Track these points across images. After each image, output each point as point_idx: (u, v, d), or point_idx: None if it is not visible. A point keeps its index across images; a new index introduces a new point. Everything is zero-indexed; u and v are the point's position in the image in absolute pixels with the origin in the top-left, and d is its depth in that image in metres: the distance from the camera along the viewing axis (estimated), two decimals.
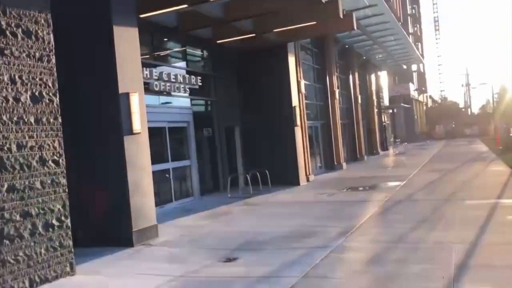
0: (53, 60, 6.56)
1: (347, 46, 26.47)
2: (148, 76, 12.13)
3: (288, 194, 14.32)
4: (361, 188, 14.43)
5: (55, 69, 6.58)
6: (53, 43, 6.58)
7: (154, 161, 12.75)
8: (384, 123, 37.03)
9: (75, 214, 7.00)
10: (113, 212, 8.44)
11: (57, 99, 6.57)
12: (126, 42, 8.58)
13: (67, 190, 6.59)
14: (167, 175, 13.03)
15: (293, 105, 16.50)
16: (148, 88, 12.39)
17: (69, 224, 6.56)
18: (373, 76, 33.09)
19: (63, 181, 6.52)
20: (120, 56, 8.37)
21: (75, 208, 6.99)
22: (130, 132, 8.42)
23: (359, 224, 8.89)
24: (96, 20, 8.49)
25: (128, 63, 8.58)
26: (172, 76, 13.09)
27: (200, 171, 14.66)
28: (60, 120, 6.58)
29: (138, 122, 8.54)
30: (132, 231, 8.22)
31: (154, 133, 13.04)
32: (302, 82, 18.09)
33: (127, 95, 8.38)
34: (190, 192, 14.19)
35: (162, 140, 13.13)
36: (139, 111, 8.59)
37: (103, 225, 8.41)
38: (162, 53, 13.99)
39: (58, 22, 8.72)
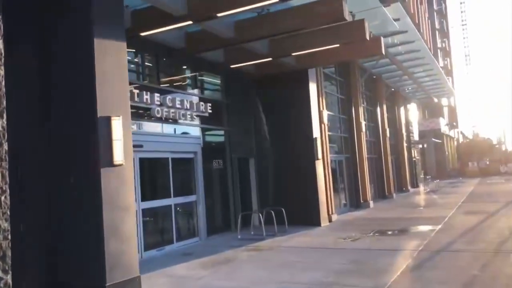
0: (1, 72, 5.25)
1: (374, 76, 24.92)
2: (149, 101, 10.85)
3: (306, 237, 12.58)
4: (390, 232, 12.57)
5: (3, 83, 5.26)
6: (2, 52, 5.28)
7: (153, 196, 11.49)
8: (414, 159, 34.89)
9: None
10: (82, 261, 6.96)
11: (3, 120, 5.22)
12: (110, 57, 7.27)
13: (9, 237, 5.14)
14: (168, 213, 11.57)
15: (314, 136, 14.92)
16: (149, 115, 11.12)
17: (10, 282, 5.09)
18: (402, 109, 31.26)
19: (5, 225, 5.09)
20: (102, 73, 7.06)
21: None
22: (110, 163, 7.00)
23: (388, 284, 7.13)
24: (76, 30, 7.27)
25: (112, 82, 7.25)
26: (178, 102, 11.79)
27: (208, 208, 13.13)
28: (5, 147, 5.21)
29: (121, 152, 7.13)
30: (105, 285, 6.69)
31: (155, 165, 11.73)
32: (325, 112, 16.54)
33: (107, 119, 7.00)
34: (196, 232, 12.64)
35: (164, 173, 11.73)
36: (123, 139, 7.19)
37: (70, 277, 6.93)
38: (167, 77, 12.75)
39: (37, 33, 7.65)
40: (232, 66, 13.82)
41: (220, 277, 8.30)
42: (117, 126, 7.08)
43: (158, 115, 11.15)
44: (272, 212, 13.27)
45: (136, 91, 10.54)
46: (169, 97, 11.60)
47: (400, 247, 10.32)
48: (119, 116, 7.16)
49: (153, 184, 11.71)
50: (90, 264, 6.89)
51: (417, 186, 33.79)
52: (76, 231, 7.05)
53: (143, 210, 10.62)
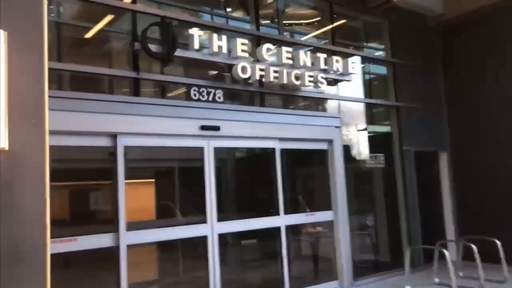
0: None
1: None
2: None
3: None
4: None
5: None
6: None
7: (242, 212, 7.04)
8: None
9: None
10: None
11: None
12: None
13: None
14: (273, 240, 6.90)
15: None
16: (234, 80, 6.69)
17: None
18: None
19: None
20: None
21: None
22: None
23: None
24: None
25: None
26: (287, 55, 7.03)
27: (356, 232, 8.00)
28: None
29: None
30: None
31: (248, 160, 7.28)
32: None
33: None
34: (333, 272, 7.63)
35: (265, 173, 7.15)
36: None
37: None
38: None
39: None
40: None
41: None
42: None
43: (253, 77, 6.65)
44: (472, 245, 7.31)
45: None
46: (271, 48, 6.96)
47: None
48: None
49: (241, 193, 7.20)
50: None
51: None
52: None
53: (221, 237, 6.21)
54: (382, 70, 9.36)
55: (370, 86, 9.30)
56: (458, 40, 9.74)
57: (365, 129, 8.59)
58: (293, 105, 7.67)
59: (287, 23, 8.19)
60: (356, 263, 7.77)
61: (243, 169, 7.33)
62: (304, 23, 8.56)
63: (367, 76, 9.18)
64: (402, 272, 8.04)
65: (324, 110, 8.08)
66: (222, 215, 6.31)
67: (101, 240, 5.25)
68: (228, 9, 7.47)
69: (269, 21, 7.78)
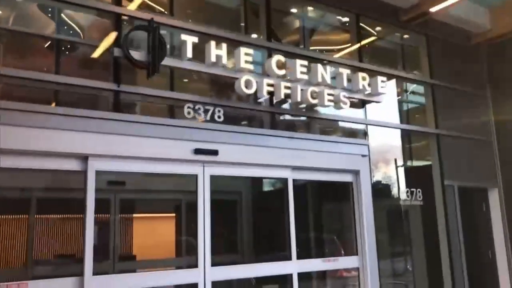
0: None
1: None
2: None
3: None
4: None
5: None
6: None
7: (248, 255, 5.84)
8: None
9: None
10: None
11: None
12: None
13: None
14: None
15: None
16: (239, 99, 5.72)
17: None
18: None
19: None
20: None
21: None
22: None
23: None
24: None
25: None
26: (301, 69, 5.96)
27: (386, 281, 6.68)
28: None
29: None
30: None
31: (251, 192, 6.22)
32: None
33: None
34: None
35: (272, 209, 6.06)
36: None
37: None
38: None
39: None
40: (433, 10, 7.29)
41: None
42: None
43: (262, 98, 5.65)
44: None
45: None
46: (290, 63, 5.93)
47: None
48: None
49: (245, 231, 6.08)
50: None
51: None
52: None
53: (214, 285, 5.06)
54: (420, 99, 8.20)
55: (408, 114, 8.11)
56: (507, 59, 8.46)
57: (402, 166, 7.38)
58: (310, 129, 6.56)
59: (315, 49, 7.18)
60: None
61: (249, 203, 6.25)
62: (334, 49, 7.50)
63: (404, 106, 8.04)
64: None
65: (348, 136, 6.93)
66: (219, 258, 5.21)
67: (60, 286, 4.24)
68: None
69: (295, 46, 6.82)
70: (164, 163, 4.99)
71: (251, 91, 5.43)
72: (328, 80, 6.07)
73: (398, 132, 7.50)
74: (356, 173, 6.55)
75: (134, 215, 6.85)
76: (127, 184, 5.23)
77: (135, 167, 4.81)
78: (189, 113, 5.26)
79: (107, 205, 5.66)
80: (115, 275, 4.57)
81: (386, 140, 7.34)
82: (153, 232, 7.18)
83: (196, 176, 5.15)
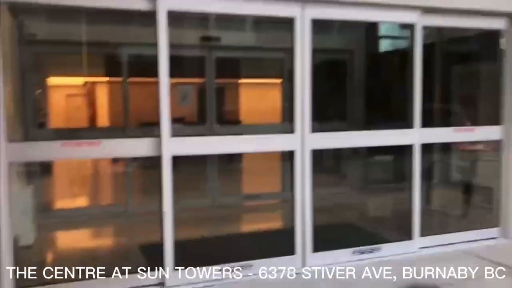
0: None
1: None
2: None
3: None
4: None
5: None
6: None
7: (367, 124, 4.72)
8: None
9: None
10: None
11: None
12: None
13: None
14: None
15: None
16: None
17: None
18: None
19: None
20: None
21: None
22: None
23: None
24: None
25: None
26: None
27: None
28: None
29: None
30: None
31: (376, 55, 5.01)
32: None
33: None
34: (493, 214, 5.14)
35: (397, 66, 4.83)
36: None
37: None
38: None
39: None
40: None
41: None
42: None
43: None
44: None
45: None
46: None
47: None
48: None
49: (357, 95, 4.93)
50: None
51: None
52: None
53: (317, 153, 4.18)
54: None
55: None
56: None
57: None
58: None
59: None
60: None
61: (361, 64, 5.07)
62: None
63: None
64: None
65: None
66: (323, 125, 4.30)
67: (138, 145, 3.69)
68: None
69: None
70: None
71: None
72: None
73: None
74: (511, 17, 4.87)
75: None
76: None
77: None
78: None
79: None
80: (195, 137, 3.93)
81: None
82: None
83: (292, 20, 4.03)
